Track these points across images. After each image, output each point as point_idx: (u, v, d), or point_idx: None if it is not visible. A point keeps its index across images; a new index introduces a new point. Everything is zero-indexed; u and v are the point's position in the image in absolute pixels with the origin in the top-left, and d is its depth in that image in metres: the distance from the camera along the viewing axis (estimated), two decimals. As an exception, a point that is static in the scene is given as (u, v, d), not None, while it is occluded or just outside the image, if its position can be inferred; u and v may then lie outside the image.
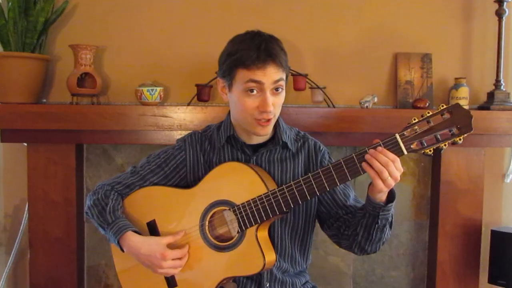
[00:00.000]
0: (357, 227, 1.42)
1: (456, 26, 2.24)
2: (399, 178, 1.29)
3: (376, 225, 1.37)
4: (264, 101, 1.40)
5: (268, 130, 1.47)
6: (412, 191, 2.26)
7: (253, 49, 1.39)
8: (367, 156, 1.28)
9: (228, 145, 1.54)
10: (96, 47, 2.10)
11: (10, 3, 2.02)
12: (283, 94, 1.46)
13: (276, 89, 1.42)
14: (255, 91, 1.40)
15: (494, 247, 2.12)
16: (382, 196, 1.33)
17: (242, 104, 1.42)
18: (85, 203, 1.62)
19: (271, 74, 1.39)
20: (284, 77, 1.44)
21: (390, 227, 1.43)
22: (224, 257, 1.43)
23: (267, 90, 1.40)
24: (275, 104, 1.43)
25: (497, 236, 2.11)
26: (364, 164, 1.29)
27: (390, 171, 1.26)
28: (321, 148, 1.58)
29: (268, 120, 1.43)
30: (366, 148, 1.30)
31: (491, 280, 2.14)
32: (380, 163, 1.26)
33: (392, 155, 1.27)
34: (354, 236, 1.44)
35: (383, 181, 1.27)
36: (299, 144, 1.57)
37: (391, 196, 1.36)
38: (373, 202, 1.34)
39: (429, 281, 2.27)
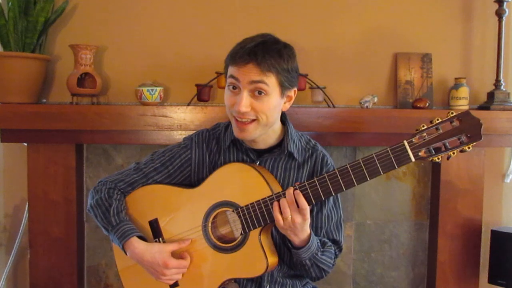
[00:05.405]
0: None
1: (456, 26, 2.24)
2: (297, 225, 1.33)
3: (293, 260, 1.45)
4: (238, 100, 1.38)
5: (247, 135, 1.42)
6: (412, 191, 2.26)
7: (242, 47, 1.38)
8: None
9: (234, 147, 1.53)
10: (96, 47, 2.10)
11: (10, 3, 2.02)
12: (268, 100, 1.38)
13: (259, 92, 1.37)
14: (236, 89, 1.39)
15: (494, 247, 2.12)
16: (294, 239, 1.38)
17: (225, 99, 1.43)
18: (86, 201, 1.61)
19: (249, 74, 1.35)
20: (270, 82, 1.36)
21: (319, 267, 1.46)
22: (226, 258, 1.43)
23: (244, 89, 1.37)
24: (256, 108, 1.37)
25: (497, 236, 2.11)
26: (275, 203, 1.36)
27: (292, 213, 1.33)
28: (328, 162, 1.53)
29: (245, 123, 1.40)
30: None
31: (491, 280, 2.14)
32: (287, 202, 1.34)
33: (302, 202, 1.33)
34: None
35: (284, 219, 1.34)
36: (307, 154, 1.53)
37: (307, 243, 1.39)
38: (288, 238, 1.41)
39: (429, 281, 2.27)
